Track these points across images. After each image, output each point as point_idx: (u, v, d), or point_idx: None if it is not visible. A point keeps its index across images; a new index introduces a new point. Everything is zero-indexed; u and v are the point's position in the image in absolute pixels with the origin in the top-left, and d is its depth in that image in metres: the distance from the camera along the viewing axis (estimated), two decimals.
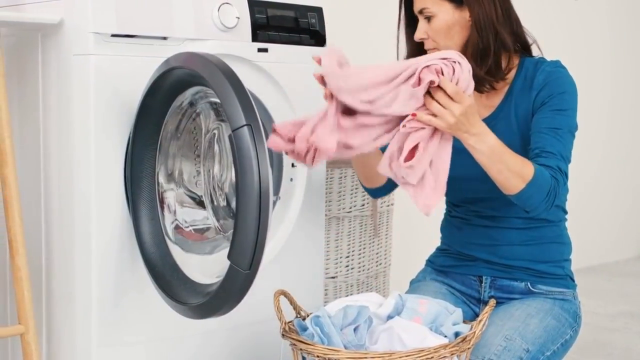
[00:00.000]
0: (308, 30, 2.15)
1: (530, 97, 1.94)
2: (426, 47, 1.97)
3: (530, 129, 1.91)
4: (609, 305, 3.48)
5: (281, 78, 2.09)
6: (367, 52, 2.90)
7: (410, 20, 2.03)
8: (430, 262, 2.17)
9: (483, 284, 2.02)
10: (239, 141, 1.52)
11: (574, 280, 2.06)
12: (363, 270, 2.63)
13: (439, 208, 2.16)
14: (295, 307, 1.83)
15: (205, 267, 1.83)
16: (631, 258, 4.71)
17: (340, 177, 2.50)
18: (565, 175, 1.84)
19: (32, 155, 1.96)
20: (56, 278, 1.92)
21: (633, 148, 4.80)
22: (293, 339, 1.69)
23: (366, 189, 2.12)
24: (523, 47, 2.02)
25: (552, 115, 1.89)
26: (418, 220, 2.55)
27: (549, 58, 2.02)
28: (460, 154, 1.96)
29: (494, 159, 1.77)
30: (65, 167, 1.87)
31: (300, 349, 1.67)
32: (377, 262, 2.67)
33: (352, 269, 2.60)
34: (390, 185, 2.06)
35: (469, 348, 1.70)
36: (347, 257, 2.58)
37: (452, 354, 1.66)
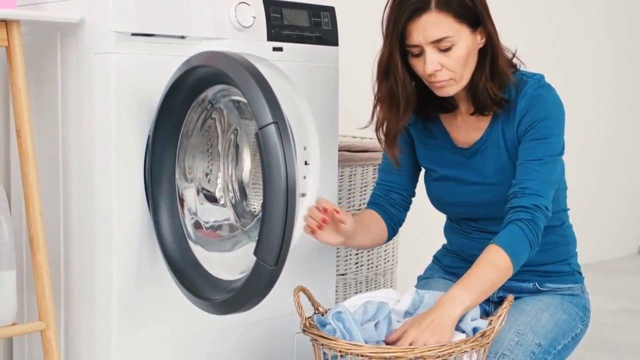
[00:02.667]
0: (321, 30, 2.17)
1: (513, 124, 1.89)
2: (439, 78, 1.84)
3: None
4: (610, 302, 3.51)
5: (295, 77, 2.11)
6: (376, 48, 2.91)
7: (403, 57, 1.86)
8: (437, 259, 2.17)
9: None
10: (266, 139, 1.54)
11: (581, 274, 2.07)
12: (372, 268, 2.65)
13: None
14: (314, 304, 1.85)
15: (227, 263, 1.85)
16: (629, 255, 4.75)
17: (351, 175, 2.52)
18: (544, 207, 1.82)
19: (50, 154, 1.97)
20: (75, 275, 1.93)
21: (632, 146, 4.83)
22: (314, 334, 1.71)
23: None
24: (509, 63, 1.93)
25: (534, 145, 1.85)
26: (423, 218, 2.57)
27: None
28: (457, 183, 1.98)
29: (479, 293, 1.77)
30: (85, 165, 1.88)
31: (322, 345, 1.69)
32: (385, 259, 2.69)
33: (361, 266, 2.62)
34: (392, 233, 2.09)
35: (487, 343, 1.72)
36: (357, 254, 2.60)
37: (472, 349, 1.69)
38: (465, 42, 1.82)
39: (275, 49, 2.06)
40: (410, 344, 1.68)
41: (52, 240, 1.96)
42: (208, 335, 2.01)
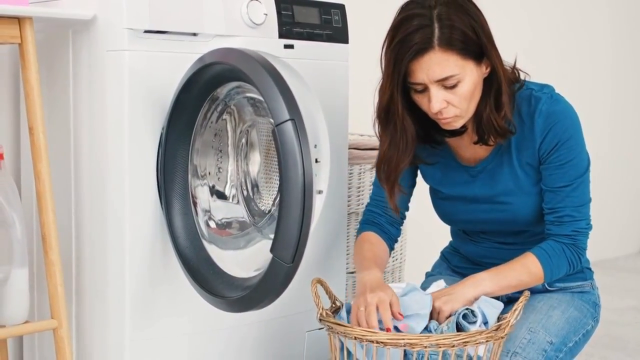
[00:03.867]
0: (332, 27, 2.17)
1: (533, 144, 1.83)
2: (445, 115, 1.77)
3: (540, 173, 1.86)
4: (616, 301, 3.51)
5: (306, 74, 2.10)
6: None
7: (405, 96, 1.79)
8: (445, 257, 2.17)
9: None
10: (283, 136, 1.54)
11: (591, 270, 2.06)
12: None
13: None
14: (331, 297, 1.85)
15: (241, 261, 1.84)
16: (632, 254, 4.75)
17: (360, 173, 2.52)
18: (584, 229, 1.87)
19: (61, 151, 1.96)
20: (87, 273, 1.93)
21: (635, 146, 4.83)
22: (330, 322, 1.70)
23: None
24: (513, 81, 1.86)
25: (562, 171, 1.83)
26: (431, 216, 2.57)
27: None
28: (466, 202, 1.96)
29: (503, 286, 1.83)
30: (97, 162, 1.88)
31: (338, 332, 1.68)
32: (393, 257, 2.69)
33: None
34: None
35: (502, 337, 1.72)
36: None
37: (487, 340, 1.68)
38: (471, 77, 1.74)
39: (286, 46, 2.06)
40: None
41: (63, 237, 1.95)
42: (220, 332, 2.01)
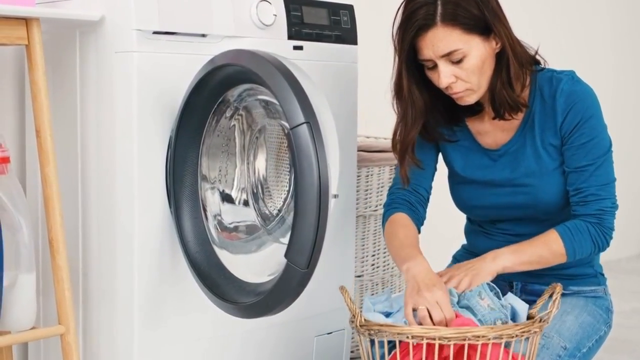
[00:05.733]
0: (340, 28, 2.15)
1: (555, 124, 1.87)
2: (455, 90, 1.82)
3: (563, 154, 1.88)
4: (622, 303, 3.49)
5: (315, 76, 2.08)
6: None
7: (415, 70, 1.86)
8: (457, 260, 2.15)
9: (514, 289, 2.01)
10: (298, 139, 1.51)
11: (604, 275, 2.05)
12: (388, 269, 2.63)
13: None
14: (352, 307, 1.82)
15: (253, 265, 1.82)
16: (633, 256, 4.74)
17: (367, 176, 2.50)
18: (610, 207, 1.86)
19: (68, 154, 1.94)
20: (94, 278, 1.91)
21: (635, 146, 4.83)
22: (374, 326, 1.65)
23: None
24: (529, 61, 1.91)
25: (584, 149, 1.85)
26: (440, 219, 2.55)
27: (553, 62, 1.95)
28: (486, 186, 1.96)
29: (524, 261, 1.83)
30: (105, 166, 1.85)
31: (390, 334, 1.63)
32: None
33: (377, 267, 2.60)
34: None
35: (536, 332, 1.69)
36: (373, 255, 2.57)
37: (523, 335, 1.66)
38: (478, 52, 1.79)
39: (295, 47, 2.04)
40: (446, 282, 1.77)
41: (70, 242, 1.92)
42: (229, 338, 1.98)
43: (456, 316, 1.69)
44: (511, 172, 1.92)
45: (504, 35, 1.80)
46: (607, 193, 1.86)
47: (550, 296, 1.79)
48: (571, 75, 1.90)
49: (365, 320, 1.68)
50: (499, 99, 1.85)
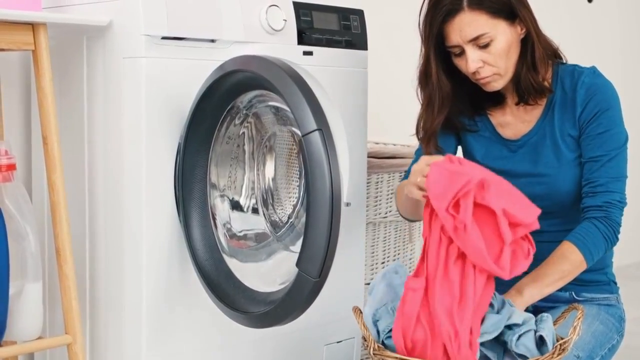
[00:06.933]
0: (350, 33, 2.13)
1: (573, 114, 1.90)
2: (483, 75, 1.86)
3: (580, 145, 1.90)
4: (631, 310, 3.45)
5: (325, 81, 2.06)
6: (404, 55, 2.87)
7: (441, 58, 1.89)
8: None
9: None
10: (310, 146, 1.49)
11: (616, 284, 2.05)
12: None
13: None
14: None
15: (263, 274, 1.79)
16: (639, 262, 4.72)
17: (377, 182, 2.47)
18: (618, 201, 1.87)
19: (75, 161, 1.91)
20: (102, 287, 1.88)
21: (636, 149, 4.80)
22: (389, 357, 1.62)
23: (405, 218, 2.07)
24: (552, 50, 1.97)
25: (600, 140, 1.87)
26: None
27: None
28: (506, 176, 1.93)
29: (548, 283, 1.80)
30: (113, 173, 1.83)
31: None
32: (410, 268, 2.63)
33: None
34: None
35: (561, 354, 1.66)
36: (383, 262, 2.55)
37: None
38: (504, 36, 1.83)
39: (305, 52, 2.02)
40: None
41: (77, 250, 1.90)
42: (238, 347, 1.96)
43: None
44: (530, 163, 1.94)
45: (528, 21, 1.85)
46: (616, 187, 1.87)
47: (565, 311, 1.77)
48: (593, 69, 1.94)
49: (378, 346, 1.65)
50: (524, 84, 1.88)
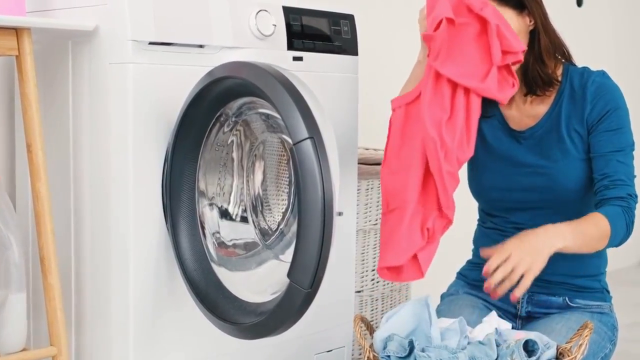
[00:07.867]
0: (341, 39, 2.10)
1: (583, 110, 1.93)
2: None
3: (590, 147, 1.92)
4: (624, 317, 3.43)
5: (316, 87, 2.02)
6: (395, 59, 2.85)
7: None
8: (462, 275, 2.12)
9: (520, 300, 1.98)
10: (302, 155, 1.46)
11: (609, 293, 2.04)
12: (387, 284, 2.58)
13: (472, 219, 2.12)
14: (372, 332, 1.76)
15: (252, 283, 1.76)
16: (632, 265, 4.71)
17: (367, 189, 2.45)
18: (636, 196, 1.89)
19: (60, 169, 1.88)
20: (88, 297, 1.85)
21: (637, 155, 4.80)
22: None
23: None
24: (560, 44, 2.00)
25: (611, 136, 1.90)
26: (446, 236, 2.50)
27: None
28: (509, 164, 1.95)
29: (579, 244, 1.80)
30: (99, 181, 1.80)
31: None
32: None
33: (377, 282, 2.54)
34: None
35: None
36: (373, 270, 2.52)
37: None
38: (512, 24, 1.85)
39: (295, 58, 1.99)
40: (506, 260, 1.71)
41: (62, 260, 1.86)
42: (227, 357, 1.93)
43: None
44: (534, 155, 1.96)
45: (536, 12, 1.90)
46: (632, 182, 1.89)
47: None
48: (603, 72, 1.98)
49: (374, 356, 1.63)
50: (532, 74, 1.92)
